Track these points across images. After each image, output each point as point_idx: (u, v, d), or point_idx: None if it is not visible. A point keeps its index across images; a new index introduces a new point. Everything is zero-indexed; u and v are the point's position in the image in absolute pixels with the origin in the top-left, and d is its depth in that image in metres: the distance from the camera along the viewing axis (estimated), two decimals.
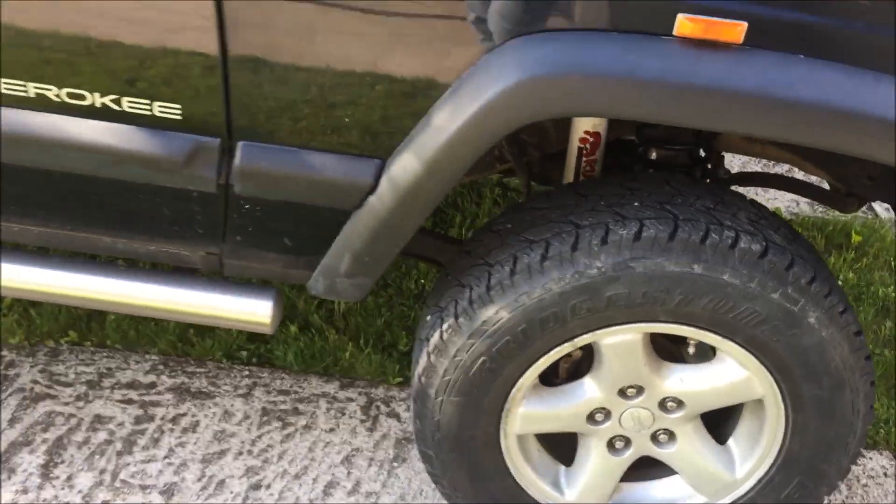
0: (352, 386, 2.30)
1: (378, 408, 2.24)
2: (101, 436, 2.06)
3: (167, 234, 1.56)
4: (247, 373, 2.30)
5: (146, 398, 2.17)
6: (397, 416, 2.22)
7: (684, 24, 1.30)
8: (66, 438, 2.04)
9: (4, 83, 1.39)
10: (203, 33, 1.34)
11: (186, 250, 1.59)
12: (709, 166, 1.94)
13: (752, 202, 1.64)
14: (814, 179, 2.70)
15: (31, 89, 1.40)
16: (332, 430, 2.16)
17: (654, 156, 1.83)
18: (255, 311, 1.61)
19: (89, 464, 1.98)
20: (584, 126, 1.81)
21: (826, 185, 2.16)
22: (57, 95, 1.40)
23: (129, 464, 2.00)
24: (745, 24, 1.30)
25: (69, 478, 1.95)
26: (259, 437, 2.12)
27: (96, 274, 1.59)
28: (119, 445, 2.04)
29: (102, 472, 1.97)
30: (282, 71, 1.38)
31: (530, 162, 2.01)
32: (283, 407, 2.21)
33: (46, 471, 1.96)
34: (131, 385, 2.21)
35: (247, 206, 1.50)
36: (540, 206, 1.64)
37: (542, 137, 1.97)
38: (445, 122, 1.36)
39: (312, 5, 1.33)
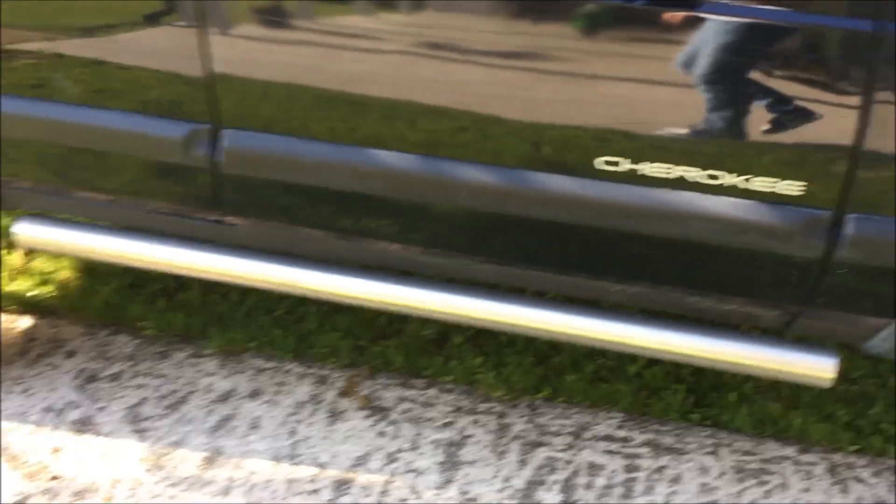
0: (809, 451, 2.42)
1: (841, 472, 2.35)
2: (601, 481, 2.29)
3: (757, 295, 1.79)
4: (706, 433, 2.48)
5: (626, 450, 2.40)
6: (863, 481, 2.32)
7: None
8: (572, 481, 2.29)
9: (650, 167, 1.70)
10: (842, 128, 1.59)
11: (763, 310, 1.82)
12: None
13: None
14: None
15: (675, 172, 1.70)
16: (806, 490, 2.29)
17: None
18: (823, 367, 1.81)
19: None
20: None
21: None
22: (696, 177, 1.69)
23: None
24: None
25: None
26: (741, 491, 2.27)
27: (687, 333, 1.85)
28: (620, 490, 2.27)
29: None
30: None
31: None
32: (752, 466, 2.36)
33: None
34: (608, 438, 2.44)
35: (843, 271, 1.70)
36: None
37: None
38: None
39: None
